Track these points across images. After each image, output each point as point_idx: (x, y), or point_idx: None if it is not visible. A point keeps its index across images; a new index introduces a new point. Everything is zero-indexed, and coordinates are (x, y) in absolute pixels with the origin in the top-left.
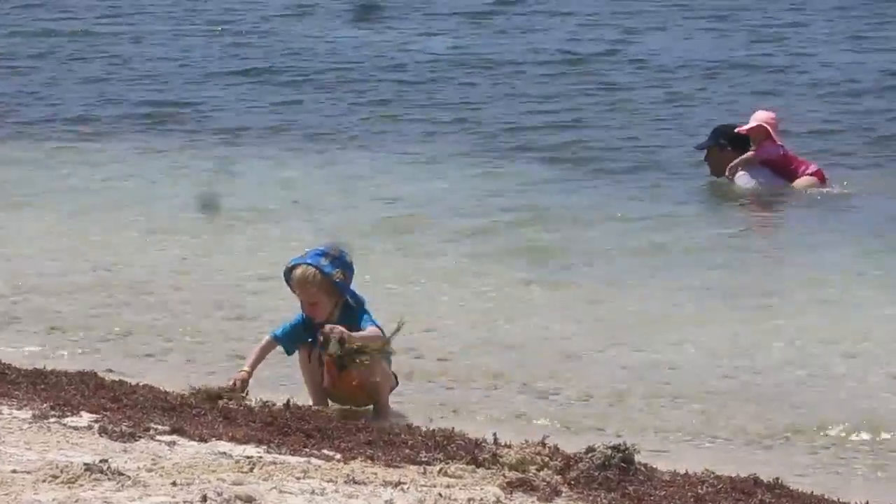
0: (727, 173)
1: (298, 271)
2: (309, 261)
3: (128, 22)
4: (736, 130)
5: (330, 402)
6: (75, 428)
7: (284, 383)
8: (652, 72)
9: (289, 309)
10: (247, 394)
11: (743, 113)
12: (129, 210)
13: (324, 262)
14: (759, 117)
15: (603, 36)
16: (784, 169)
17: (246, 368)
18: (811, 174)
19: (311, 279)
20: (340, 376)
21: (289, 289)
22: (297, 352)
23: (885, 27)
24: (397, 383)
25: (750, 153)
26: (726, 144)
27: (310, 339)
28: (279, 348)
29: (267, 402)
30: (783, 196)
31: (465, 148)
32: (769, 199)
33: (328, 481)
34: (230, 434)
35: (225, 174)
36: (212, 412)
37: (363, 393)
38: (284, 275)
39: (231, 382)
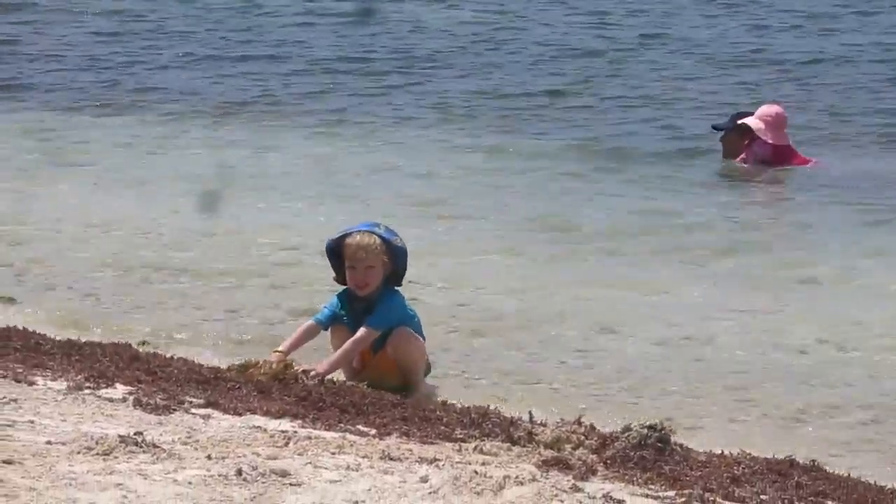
0: (737, 160)
1: (356, 238)
2: (363, 228)
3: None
4: (739, 122)
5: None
6: (110, 400)
7: (317, 350)
8: (675, 56)
9: (322, 280)
10: (284, 370)
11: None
12: (165, 182)
13: (379, 230)
14: (762, 112)
15: (629, 22)
16: (779, 164)
17: (281, 350)
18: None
19: (372, 242)
20: (374, 357)
21: (329, 265)
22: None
23: None
24: (430, 368)
25: (742, 156)
26: (742, 131)
27: (344, 318)
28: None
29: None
30: (812, 181)
31: (499, 129)
32: (797, 185)
33: (363, 457)
34: (265, 408)
35: (259, 151)
36: (246, 386)
37: (396, 374)
38: (329, 248)
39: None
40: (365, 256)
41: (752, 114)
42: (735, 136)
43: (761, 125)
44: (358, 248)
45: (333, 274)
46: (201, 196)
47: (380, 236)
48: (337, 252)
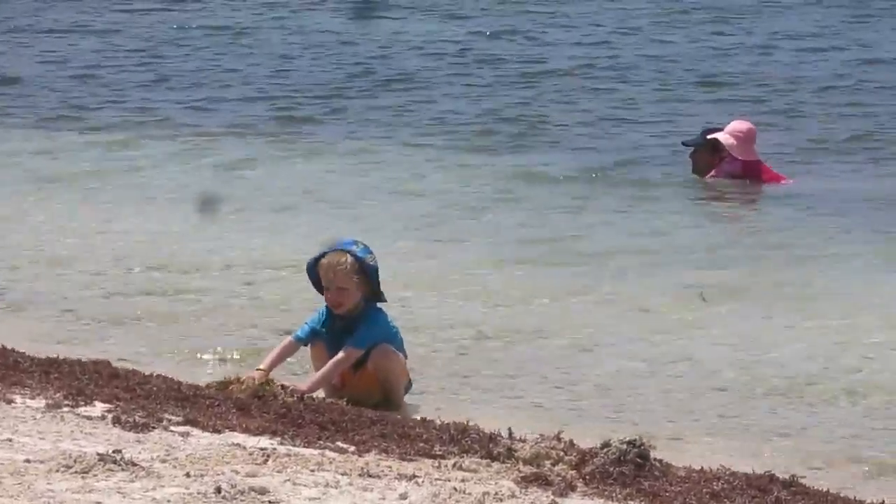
0: (706, 176)
1: (329, 257)
2: (338, 248)
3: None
4: (708, 136)
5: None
6: (89, 418)
7: (297, 373)
8: (662, 76)
9: (303, 299)
10: (265, 387)
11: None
12: (148, 201)
13: (355, 248)
14: (731, 128)
15: (619, 42)
16: (751, 180)
17: (262, 367)
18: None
19: (342, 262)
20: (354, 375)
21: (310, 283)
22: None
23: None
24: (411, 384)
25: (712, 172)
26: (713, 148)
27: (325, 334)
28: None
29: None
30: (790, 198)
31: (481, 145)
32: (775, 202)
33: (342, 474)
34: (244, 425)
35: (241, 167)
36: (225, 403)
37: (377, 391)
38: (309, 267)
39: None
40: (333, 277)
41: (722, 129)
42: (705, 152)
43: (732, 141)
44: (328, 269)
45: (315, 291)
46: (185, 215)
47: (354, 255)
48: (317, 272)
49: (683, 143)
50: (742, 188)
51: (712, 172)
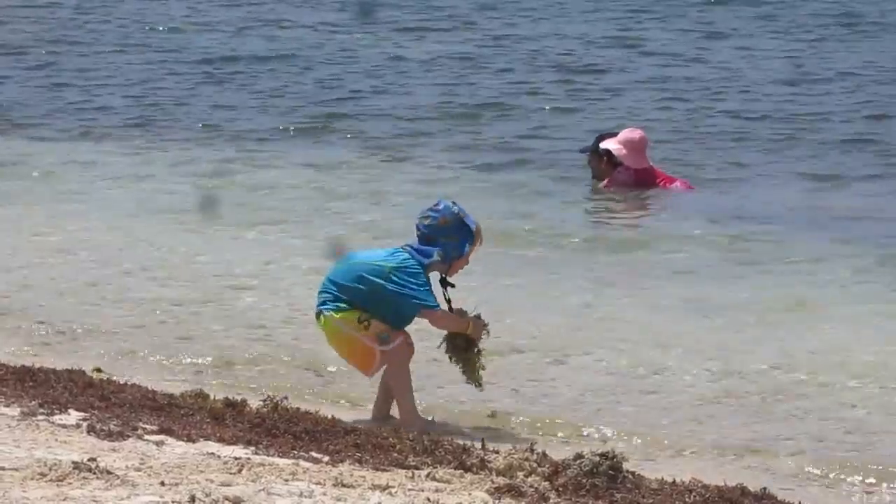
0: (602, 185)
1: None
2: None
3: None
4: (602, 142)
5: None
6: (63, 426)
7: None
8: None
9: (273, 305)
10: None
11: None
12: (117, 208)
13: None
14: (623, 136)
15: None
16: (645, 187)
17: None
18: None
19: None
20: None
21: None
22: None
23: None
24: None
25: (604, 183)
26: (603, 154)
27: None
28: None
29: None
30: (750, 210)
31: (436, 153)
32: (733, 214)
33: (316, 483)
34: (218, 435)
35: (216, 176)
36: (200, 412)
37: None
38: (472, 228)
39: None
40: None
41: (615, 135)
42: (597, 158)
43: (623, 150)
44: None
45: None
46: (155, 224)
47: None
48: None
49: (580, 151)
50: (690, 202)
51: (606, 182)
